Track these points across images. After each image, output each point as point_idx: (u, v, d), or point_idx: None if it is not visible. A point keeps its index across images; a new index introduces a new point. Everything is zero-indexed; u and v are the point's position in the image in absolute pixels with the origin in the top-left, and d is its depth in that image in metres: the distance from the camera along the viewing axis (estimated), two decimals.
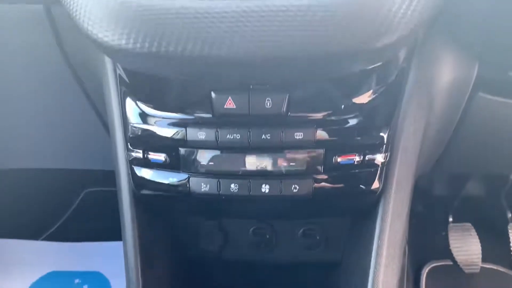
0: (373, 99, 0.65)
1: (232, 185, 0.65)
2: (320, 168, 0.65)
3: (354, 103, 0.65)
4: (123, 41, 0.49)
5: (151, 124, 0.67)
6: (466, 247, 1.43)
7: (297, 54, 0.48)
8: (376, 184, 0.67)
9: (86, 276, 1.54)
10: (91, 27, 0.51)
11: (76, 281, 1.52)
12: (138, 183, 0.71)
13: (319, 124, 0.63)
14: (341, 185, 0.66)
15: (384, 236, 0.68)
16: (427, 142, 0.75)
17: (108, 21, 0.50)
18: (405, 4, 0.50)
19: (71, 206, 1.57)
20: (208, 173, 0.66)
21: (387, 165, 0.67)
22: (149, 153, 0.68)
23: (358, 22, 0.49)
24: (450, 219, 1.45)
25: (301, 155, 0.64)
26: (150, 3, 0.48)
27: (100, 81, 0.73)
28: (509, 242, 1.52)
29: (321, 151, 0.64)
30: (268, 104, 0.61)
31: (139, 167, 0.70)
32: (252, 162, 0.64)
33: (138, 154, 0.69)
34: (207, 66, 0.51)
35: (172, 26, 0.48)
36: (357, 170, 0.66)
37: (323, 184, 0.66)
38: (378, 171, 0.66)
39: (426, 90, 0.70)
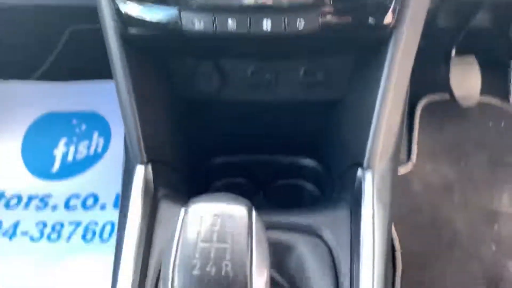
0: None
1: (230, 21, 0.58)
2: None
3: None
4: None
5: None
6: (467, 80, 1.41)
7: None
8: (388, 18, 0.60)
9: (83, 116, 1.53)
10: None
11: (74, 121, 1.53)
12: (124, 20, 0.64)
13: None
14: (351, 18, 0.59)
15: (392, 73, 0.64)
16: None
17: None
18: None
19: (57, 46, 1.48)
20: (202, 7, 0.58)
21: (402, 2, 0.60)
22: None
23: None
24: (453, 52, 1.40)
25: None
26: None
27: None
28: (510, 76, 1.50)
29: None
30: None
31: (123, 1, 0.62)
32: None
33: None
34: None
35: None
36: (368, 1, 0.58)
37: (331, 17, 0.59)
38: (393, 3, 0.59)
39: None
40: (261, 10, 0.57)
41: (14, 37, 1.38)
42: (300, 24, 0.58)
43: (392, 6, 0.59)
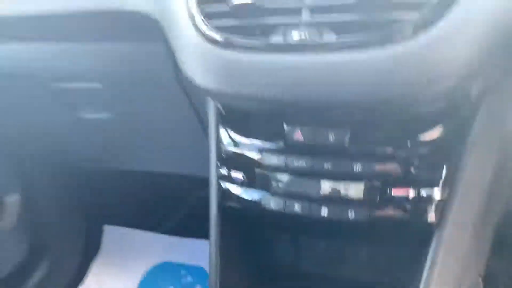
0: (436, 134, 0.68)
1: (296, 205, 0.74)
2: (376, 198, 0.70)
3: (416, 138, 0.69)
4: (222, 87, 0.64)
5: (235, 147, 0.80)
6: None
7: (357, 100, 0.59)
8: (431, 218, 0.70)
9: (191, 269, 1.74)
10: (196, 77, 0.66)
11: (182, 272, 1.74)
12: (223, 195, 0.84)
13: (379, 157, 0.69)
14: (396, 215, 0.71)
15: (434, 271, 0.71)
16: (504, 186, 0.74)
17: (208, 74, 0.64)
18: (450, 58, 0.55)
19: (182, 207, 1.79)
20: (276, 193, 0.76)
21: (445, 201, 0.70)
22: (232, 171, 0.81)
23: (407, 73, 0.55)
24: None
25: (359, 185, 0.71)
26: (237, 58, 0.61)
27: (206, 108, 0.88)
28: None
29: (378, 183, 0.70)
30: (332, 137, 0.69)
31: (224, 182, 0.83)
32: (314, 187, 0.73)
33: (224, 171, 0.82)
34: (284, 107, 0.64)
35: (258, 78, 0.60)
36: (413, 203, 0.70)
37: (378, 213, 0.71)
38: (434, 206, 0.69)
39: (498, 129, 0.71)
40: (321, 201, 0.73)
41: (142, 198, 1.71)
42: (351, 214, 0.71)
43: (433, 209, 0.70)
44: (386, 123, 0.69)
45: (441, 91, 0.58)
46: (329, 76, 0.56)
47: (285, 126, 0.71)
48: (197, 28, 0.63)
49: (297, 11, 0.56)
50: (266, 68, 0.59)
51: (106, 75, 0.98)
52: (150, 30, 0.77)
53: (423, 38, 0.53)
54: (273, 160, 0.74)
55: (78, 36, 0.90)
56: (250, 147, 0.78)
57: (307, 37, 0.55)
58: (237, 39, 0.59)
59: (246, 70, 0.60)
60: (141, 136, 1.21)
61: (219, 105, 0.80)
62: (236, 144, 0.80)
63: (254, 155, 0.77)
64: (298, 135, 0.71)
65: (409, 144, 0.69)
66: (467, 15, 0.53)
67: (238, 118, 0.79)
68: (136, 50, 0.89)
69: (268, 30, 0.58)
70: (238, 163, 0.80)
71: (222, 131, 0.82)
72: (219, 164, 0.83)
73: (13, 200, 1.44)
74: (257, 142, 0.77)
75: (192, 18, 0.63)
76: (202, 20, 0.62)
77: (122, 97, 1.06)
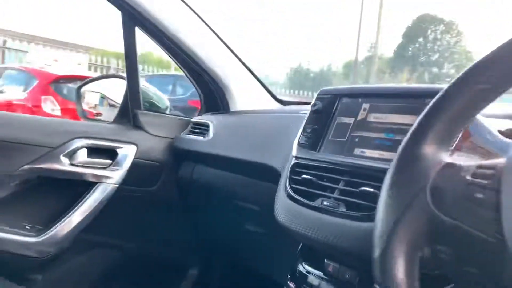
0: None
1: None
2: None
3: None
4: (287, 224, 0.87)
5: None
6: None
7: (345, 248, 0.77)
8: None
9: None
10: (277, 217, 0.90)
11: None
12: None
13: None
14: None
15: None
16: None
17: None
18: None
19: None
20: None
21: None
22: None
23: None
24: None
25: None
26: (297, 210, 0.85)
27: None
28: None
29: None
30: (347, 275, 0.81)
31: None
32: None
33: None
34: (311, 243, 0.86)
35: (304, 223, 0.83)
36: None
37: None
38: None
39: None
40: None
41: None
42: None
43: None
44: None
45: None
46: (332, 229, 0.78)
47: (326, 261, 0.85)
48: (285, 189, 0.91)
49: (332, 190, 0.82)
50: (308, 219, 0.83)
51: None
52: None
53: None
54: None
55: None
56: None
57: (330, 205, 0.80)
58: (300, 199, 0.86)
59: (300, 218, 0.85)
60: None
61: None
62: None
63: None
64: (330, 268, 0.85)
65: None
66: None
67: None
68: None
69: (315, 197, 0.84)
70: None
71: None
72: None
73: None
74: None
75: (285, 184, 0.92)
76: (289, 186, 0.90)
77: None
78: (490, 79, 0.44)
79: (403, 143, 0.48)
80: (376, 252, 0.46)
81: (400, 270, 0.43)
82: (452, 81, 0.47)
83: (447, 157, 0.46)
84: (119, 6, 1.31)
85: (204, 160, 1.37)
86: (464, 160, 0.45)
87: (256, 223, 1.29)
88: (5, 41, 11.42)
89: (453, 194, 0.42)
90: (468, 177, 0.42)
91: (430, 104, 0.48)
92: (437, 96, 0.47)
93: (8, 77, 6.18)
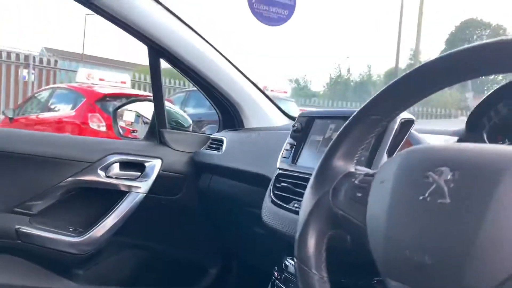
0: None
1: None
2: None
3: None
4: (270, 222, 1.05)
5: None
6: None
7: None
8: None
9: None
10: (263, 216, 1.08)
11: None
12: None
13: None
14: None
15: None
16: None
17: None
18: None
19: None
20: None
21: None
22: None
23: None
24: None
25: None
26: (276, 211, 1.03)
27: None
28: None
29: None
30: None
31: None
32: None
33: None
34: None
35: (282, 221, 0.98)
36: None
37: None
38: None
39: None
40: None
41: None
42: None
43: None
44: None
45: None
46: None
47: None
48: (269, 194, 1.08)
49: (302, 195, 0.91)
50: (284, 218, 0.97)
51: None
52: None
53: None
54: None
55: None
56: None
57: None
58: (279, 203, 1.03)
59: (278, 218, 1.00)
60: None
61: None
62: None
63: None
64: None
65: None
66: None
67: None
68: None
69: (290, 200, 1.00)
70: None
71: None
72: None
73: None
74: None
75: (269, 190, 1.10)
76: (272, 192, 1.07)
77: None
78: (379, 111, 0.61)
79: (322, 157, 0.66)
80: (296, 235, 0.63)
81: (311, 247, 0.60)
82: (355, 112, 0.64)
83: (351, 168, 0.63)
84: (144, 42, 1.53)
85: (219, 172, 1.56)
86: (362, 170, 0.62)
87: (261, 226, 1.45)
88: (56, 62, 12.24)
89: (345, 194, 0.59)
90: (356, 182, 0.59)
91: (341, 128, 0.64)
92: (345, 123, 0.64)
93: (58, 96, 6.73)
